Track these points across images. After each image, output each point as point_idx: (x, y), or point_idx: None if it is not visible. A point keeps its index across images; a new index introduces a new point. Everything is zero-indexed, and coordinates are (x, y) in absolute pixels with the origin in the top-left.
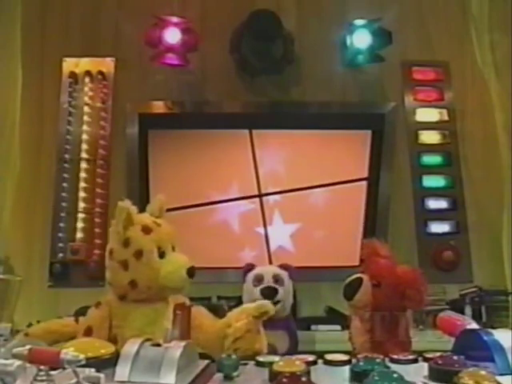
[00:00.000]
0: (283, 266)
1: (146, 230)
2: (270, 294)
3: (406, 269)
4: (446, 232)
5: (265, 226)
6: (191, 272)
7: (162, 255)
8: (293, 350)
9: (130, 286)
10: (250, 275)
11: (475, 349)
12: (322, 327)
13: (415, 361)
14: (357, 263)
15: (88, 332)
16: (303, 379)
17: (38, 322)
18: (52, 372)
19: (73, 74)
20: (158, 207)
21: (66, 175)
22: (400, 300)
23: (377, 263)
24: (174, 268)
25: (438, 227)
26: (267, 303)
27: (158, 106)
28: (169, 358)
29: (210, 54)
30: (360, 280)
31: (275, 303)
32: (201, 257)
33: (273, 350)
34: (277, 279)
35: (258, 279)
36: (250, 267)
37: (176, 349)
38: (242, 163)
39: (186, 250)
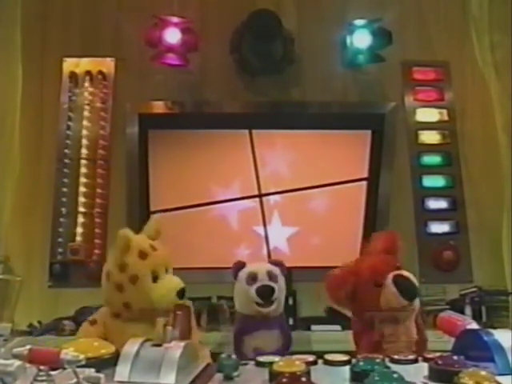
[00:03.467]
0: (274, 262)
1: (142, 255)
2: (266, 292)
3: (378, 240)
4: (446, 232)
5: (264, 225)
6: (181, 294)
7: (155, 279)
8: (285, 349)
9: (124, 307)
10: (242, 274)
11: (475, 349)
12: (322, 327)
13: (415, 361)
14: None
15: None
16: (303, 379)
17: (39, 321)
18: (52, 372)
19: (73, 74)
20: (154, 229)
21: (65, 175)
22: None
23: (373, 262)
24: (165, 291)
25: (438, 227)
26: None
27: (158, 106)
28: (169, 358)
29: (210, 54)
30: (402, 276)
31: (272, 302)
32: (201, 257)
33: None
34: (271, 276)
35: (252, 277)
36: (240, 265)
37: (176, 349)
38: (242, 163)
39: (187, 250)
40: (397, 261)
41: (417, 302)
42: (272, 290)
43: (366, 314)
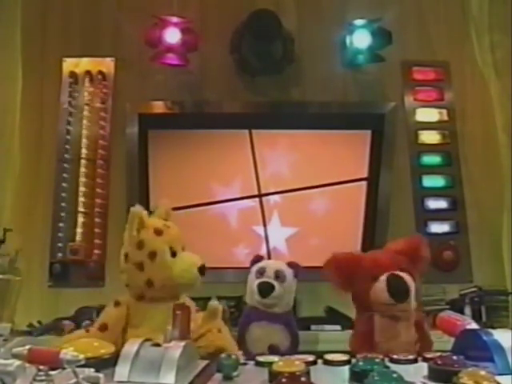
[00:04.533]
0: (290, 264)
1: (158, 232)
2: (265, 289)
3: (401, 242)
4: (445, 232)
5: (264, 225)
6: (202, 270)
7: (173, 255)
8: (293, 347)
9: (147, 286)
10: (255, 267)
11: (475, 349)
12: (321, 327)
13: (415, 361)
14: None
15: (103, 328)
16: (303, 379)
17: (39, 321)
18: (51, 372)
19: (73, 74)
20: (164, 211)
21: (65, 175)
22: (416, 270)
23: (378, 257)
24: (186, 266)
25: (438, 227)
26: (216, 303)
27: (158, 106)
28: (168, 357)
29: (210, 54)
30: (397, 276)
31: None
32: (201, 257)
33: (275, 349)
34: (278, 275)
35: (261, 272)
36: (258, 258)
37: (176, 349)
38: (242, 163)
39: (187, 250)
40: (404, 263)
41: (409, 305)
42: (272, 287)
43: (363, 304)
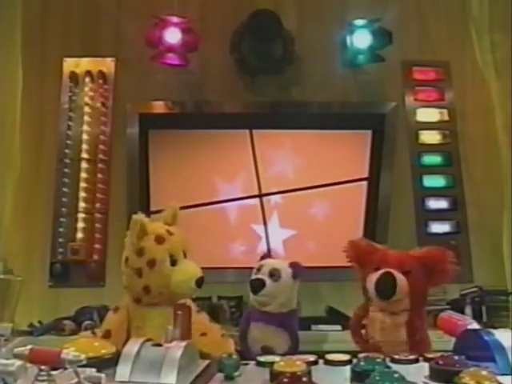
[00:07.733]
0: (292, 264)
1: (159, 239)
2: (255, 286)
3: (423, 250)
4: (446, 232)
5: (265, 224)
6: (199, 282)
7: (173, 263)
8: (290, 350)
9: (144, 292)
10: (257, 264)
11: (476, 349)
12: (322, 327)
13: (416, 361)
14: None
15: (107, 335)
16: (304, 379)
17: (39, 321)
18: (53, 372)
19: (73, 74)
20: (171, 215)
21: (66, 175)
22: (429, 279)
23: (390, 253)
24: (184, 278)
25: (439, 227)
26: None
27: (159, 106)
28: (170, 358)
29: (211, 54)
30: (390, 274)
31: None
32: (201, 256)
33: (268, 351)
34: (272, 273)
35: (258, 269)
36: (264, 256)
37: (177, 349)
38: (243, 163)
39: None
40: (411, 267)
41: (394, 304)
42: (263, 284)
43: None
